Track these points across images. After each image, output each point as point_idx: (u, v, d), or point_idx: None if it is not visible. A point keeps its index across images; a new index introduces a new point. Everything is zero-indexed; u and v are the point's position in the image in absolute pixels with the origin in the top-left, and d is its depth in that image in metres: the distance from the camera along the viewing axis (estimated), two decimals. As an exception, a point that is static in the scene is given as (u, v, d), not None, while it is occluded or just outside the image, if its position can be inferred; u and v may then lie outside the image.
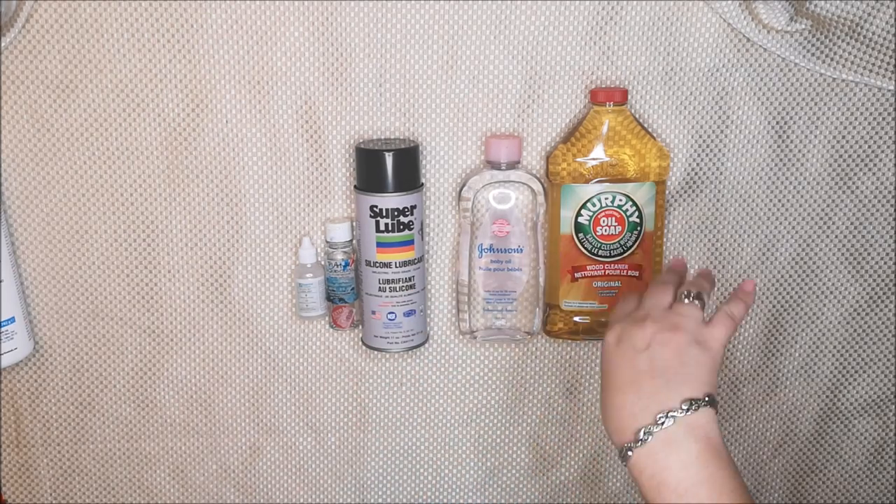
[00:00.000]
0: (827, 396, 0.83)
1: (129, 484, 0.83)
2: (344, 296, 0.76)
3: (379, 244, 0.72)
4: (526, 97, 0.73)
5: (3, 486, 0.82)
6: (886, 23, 0.67)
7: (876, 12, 0.67)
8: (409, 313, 0.75)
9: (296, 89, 0.72)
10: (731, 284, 0.78)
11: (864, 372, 0.82)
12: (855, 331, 0.81)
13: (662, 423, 0.50)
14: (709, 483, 0.51)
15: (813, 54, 0.71)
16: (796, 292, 0.79)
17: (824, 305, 0.80)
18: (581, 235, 0.73)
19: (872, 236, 0.77)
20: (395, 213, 0.71)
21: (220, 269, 0.77)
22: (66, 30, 0.69)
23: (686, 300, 0.57)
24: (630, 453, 0.51)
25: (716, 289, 0.65)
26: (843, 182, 0.76)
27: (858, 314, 0.80)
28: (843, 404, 0.83)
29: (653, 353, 0.53)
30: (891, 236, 0.77)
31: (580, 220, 0.73)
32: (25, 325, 0.76)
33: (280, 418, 0.82)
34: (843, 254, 0.78)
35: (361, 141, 0.73)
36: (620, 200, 0.72)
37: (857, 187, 0.76)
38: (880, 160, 0.75)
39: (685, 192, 0.76)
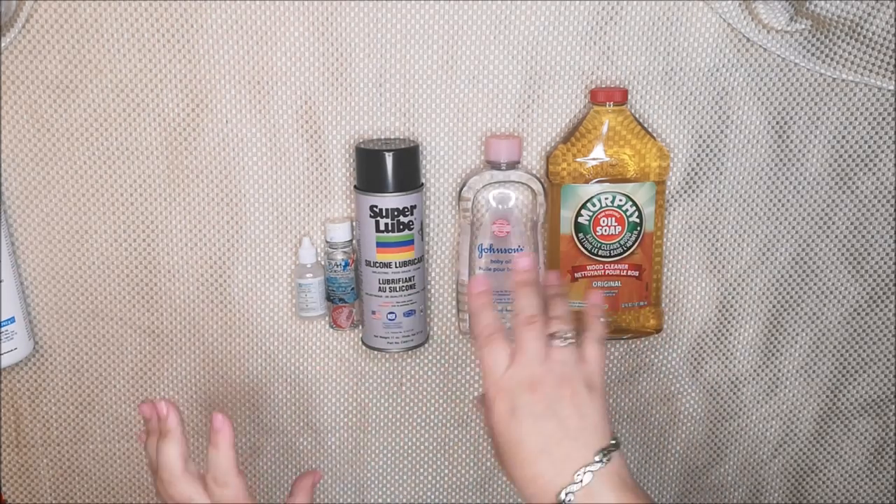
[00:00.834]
0: (827, 396, 0.83)
1: (129, 484, 0.83)
2: (344, 296, 0.76)
3: (379, 244, 0.72)
4: (526, 97, 0.73)
5: (3, 486, 0.82)
6: (886, 23, 0.67)
7: (876, 12, 0.67)
8: (409, 313, 0.75)
9: (296, 89, 0.72)
10: (731, 284, 0.78)
11: (864, 372, 0.82)
12: (855, 331, 0.81)
13: (581, 481, 0.50)
14: None
15: (813, 54, 0.71)
16: (796, 292, 0.79)
17: (824, 305, 0.80)
18: (581, 235, 0.73)
19: (872, 236, 0.77)
20: (395, 213, 0.71)
21: (220, 269, 0.77)
22: (66, 30, 0.69)
23: (562, 343, 0.54)
24: None
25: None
26: (843, 182, 0.76)
27: (858, 314, 0.80)
28: (843, 404, 0.83)
29: (556, 416, 0.52)
30: (891, 236, 0.77)
31: (580, 220, 0.73)
32: (25, 325, 0.76)
33: (280, 418, 0.82)
34: (843, 254, 0.78)
35: (361, 141, 0.73)
36: (620, 200, 0.72)
37: (857, 187, 0.76)
38: (880, 160, 0.75)
39: (685, 192, 0.76)
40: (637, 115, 0.73)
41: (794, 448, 0.85)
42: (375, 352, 0.78)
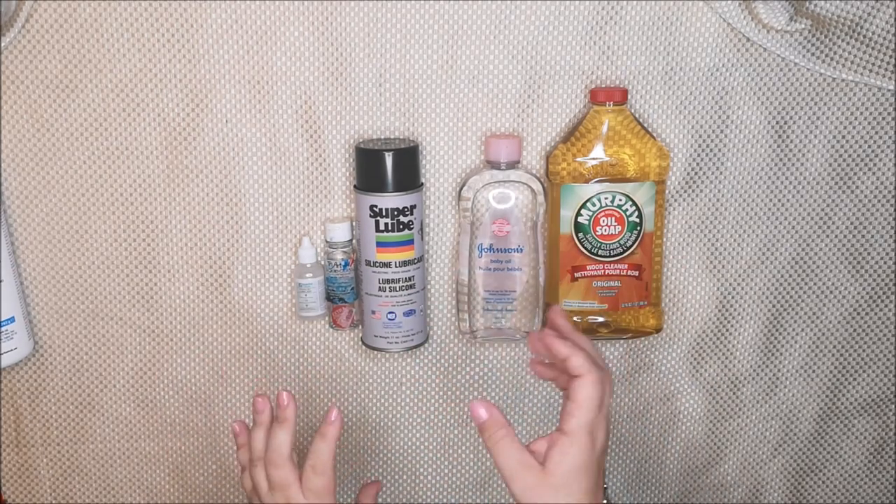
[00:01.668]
0: (827, 396, 0.83)
1: (129, 484, 0.83)
2: (344, 296, 0.76)
3: (379, 244, 0.72)
4: (526, 97, 0.73)
5: (3, 486, 0.82)
6: (886, 23, 0.67)
7: (876, 12, 0.67)
8: (408, 313, 0.75)
9: (296, 89, 0.72)
10: (731, 284, 0.78)
11: (864, 372, 0.82)
12: (855, 331, 0.81)
13: None
14: None
15: (813, 54, 0.71)
16: (796, 292, 0.79)
17: (824, 305, 0.80)
18: (581, 235, 0.73)
19: (872, 236, 0.77)
20: (395, 213, 0.71)
21: (220, 269, 0.77)
22: (66, 30, 0.69)
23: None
24: None
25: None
26: (843, 182, 0.76)
27: (858, 314, 0.80)
28: (843, 404, 0.83)
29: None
30: (891, 236, 0.77)
31: (580, 219, 0.73)
32: (25, 325, 0.76)
33: (280, 418, 0.82)
34: (843, 254, 0.78)
35: (361, 141, 0.73)
36: (620, 200, 0.72)
37: (857, 187, 0.76)
38: (880, 160, 0.75)
39: (685, 191, 0.76)
40: (637, 115, 0.73)
41: (794, 448, 0.85)
42: (375, 352, 0.78)
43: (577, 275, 0.74)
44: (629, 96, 0.72)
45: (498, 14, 0.70)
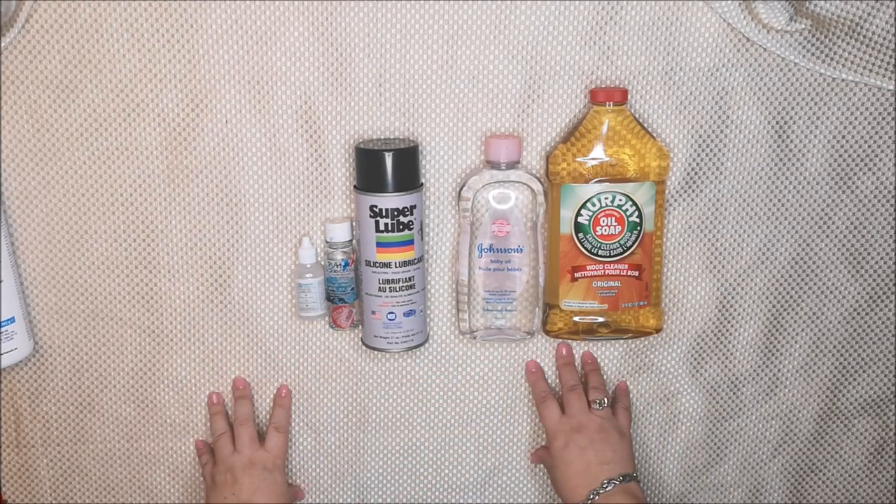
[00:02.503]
0: (827, 396, 0.83)
1: (129, 484, 0.83)
2: (344, 296, 0.76)
3: (379, 244, 0.72)
4: (526, 97, 0.73)
5: (3, 486, 0.82)
6: (886, 23, 0.67)
7: (876, 12, 0.67)
8: (408, 313, 0.75)
9: (296, 89, 0.72)
10: (730, 284, 0.78)
11: (864, 372, 0.82)
12: (855, 331, 0.81)
13: (606, 487, 0.72)
14: None
15: (813, 54, 0.71)
16: (796, 292, 0.79)
17: (824, 305, 0.80)
18: (581, 235, 0.73)
19: (872, 236, 0.77)
20: (395, 213, 0.71)
21: (220, 269, 0.77)
22: (66, 30, 0.69)
23: (599, 408, 0.76)
24: None
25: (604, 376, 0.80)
26: (843, 182, 0.76)
27: (858, 314, 0.80)
28: (843, 404, 0.83)
29: (595, 449, 0.74)
30: (891, 236, 0.77)
31: (580, 219, 0.73)
32: (25, 325, 0.76)
33: (280, 418, 0.82)
34: (843, 254, 0.78)
35: (361, 141, 0.73)
36: (620, 200, 0.72)
37: (857, 187, 0.76)
38: (880, 160, 0.75)
39: (685, 191, 0.76)
40: (637, 115, 0.73)
41: (794, 448, 0.85)
42: (375, 352, 0.78)
43: (577, 275, 0.74)
44: (629, 96, 0.72)
45: (498, 14, 0.70)
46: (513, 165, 0.72)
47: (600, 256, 0.74)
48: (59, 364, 0.79)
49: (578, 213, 0.72)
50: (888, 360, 0.82)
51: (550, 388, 0.80)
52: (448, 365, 0.80)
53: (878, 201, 0.76)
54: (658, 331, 0.78)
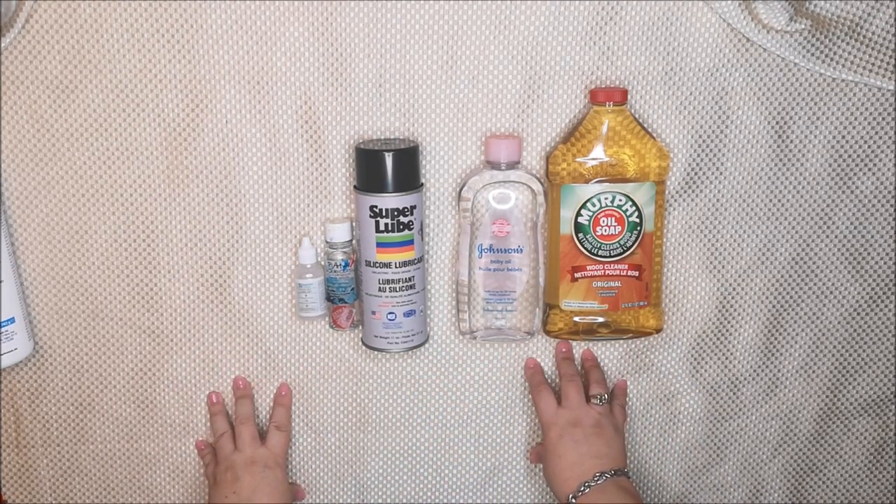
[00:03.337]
0: (827, 396, 0.83)
1: (129, 484, 0.83)
2: (344, 296, 0.76)
3: (379, 244, 0.72)
4: (526, 97, 0.73)
5: (3, 486, 0.82)
6: (886, 23, 0.67)
7: (876, 12, 0.67)
8: (409, 313, 0.75)
9: (296, 89, 0.72)
10: (730, 284, 0.78)
11: (864, 372, 0.82)
12: (855, 331, 0.81)
13: (598, 480, 0.72)
14: None
15: (813, 54, 0.71)
16: (796, 292, 0.79)
17: (824, 305, 0.80)
18: (581, 235, 0.73)
19: (872, 236, 0.77)
20: (395, 213, 0.71)
21: (220, 269, 0.77)
22: (66, 30, 0.69)
23: (598, 403, 0.76)
24: (574, 500, 0.72)
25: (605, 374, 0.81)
26: (843, 182, 0.76)
27: (858, 314, 0.80)
28: (843, 404, 0.83)
29: (589, 443, 0.74)
30: (891, 236, 0.77)
31: (580, 220, 0.73)
32: (25, 325, 0.76)
33: (280, 418, 0.82)
34: (843, 254, 0.78)
35: (361, 141, 0.73)
36: (620, 200, 0.72)
37: (857, 187, 0.76)
38: (880, 160, 0.75)
39: (685, 192, 0.76)
40: (637, 115, 0.73)
41: (794, 448, 0.85)
42: (375, 352, 0.78)
43: (577, 275, 0.74)
44: (629, 96, 0.72)
45: (498, 14, 0.70)
46: (513, 165, 0.72)
47: (600, 256, 0.74)
48: (59, 364, 0.79)
49: (578, 214, 0.72)
50: (888, 360, 0.82)
51: (547, 380, 0.80)
52: (448, 365, 0.80)
53: (878, 201, 0.76)
54: (658, 331, 0.78)
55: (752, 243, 0.77)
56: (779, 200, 0.76)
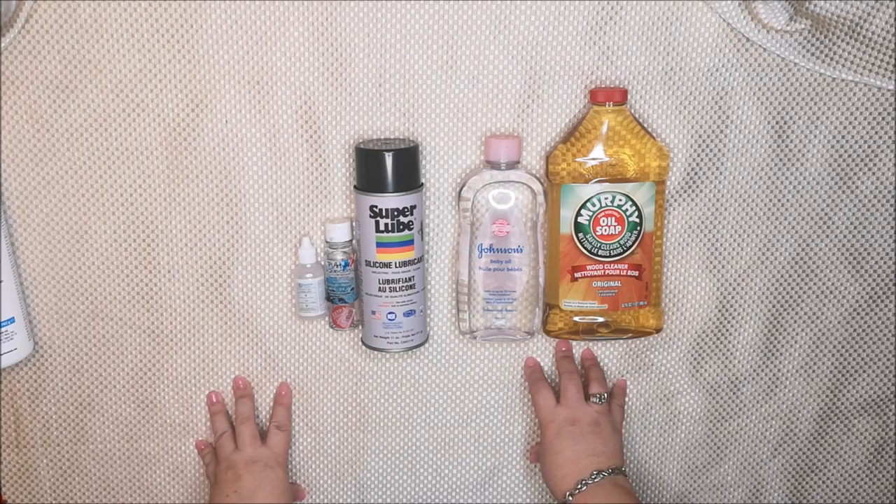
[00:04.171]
0: (827, 396, 0.83)
1: (129, 484, 0.83)
2: (344, 296, 0.76)
3: (379, 244, 0.72)
4: (526, 97, 0.73)
5: (3, 486, 0.82)
6: (886, 23, 0.67)
7: (876, 12, 0.67)
8: (409, 313, 0.75)
9: (296, 89, 0.72)
10: (731, 284, 0.78)
11: (864, 372, 0.82)
12: (855, 331, 0.81)
13: (594, 478, 0.72)
14: None
15: (813, 54, 0.71)
16: (796, 292, 0.79)
17: (824, 305, 0.80)
18: (581, 235, 0.73)
19: (872, 236, 0.77)
20: (395, 213, 0.71)
21: (220, 269, 0.77)
22: (66, 30, 0.69)
23: (598, 402, 0.76)
24: (571, 498, 0.72)
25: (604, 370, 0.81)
26: (843, 182, 0.76)
27: (858, 314, 0.80)
28: (843, 404, 0.83)
29: (587, 441, 0.74)
30: (891, 236, 0.77)
31: (580, 219, 0.73)
32: (25, 325, 0.76)
33: (280, 418, 0.82)
34: (843, 254, 0.78)
35: (361, 141, 0.73)
36: (620, 200, 0.72)
37: (857, 187, 0.76)
38: (880, 160, 0.75)
39: (685, 191, 0.76)
40: (637, 115, 0.73)
41: (794, 448, 0.85)
42: (375, 352, 0.78)
43: (577, 275, 0.74)
44: (629, 96, 0.72)
45: (498, 14, 0.70)
46: (513, 165, 0.72)
47: (600, 256, 0.74)
48: (59, 364, 0.79)
49: (578, 213, 0.72)
50: (888, 360, 0.82)
51: (546, 378, 0.80)
52: (448, 365, 0.81)
53: (878, 201, 0.76)
54: (658, 331, 0.78)
55: (752, 243, 0.77)
56: (779, 200, 0.76)
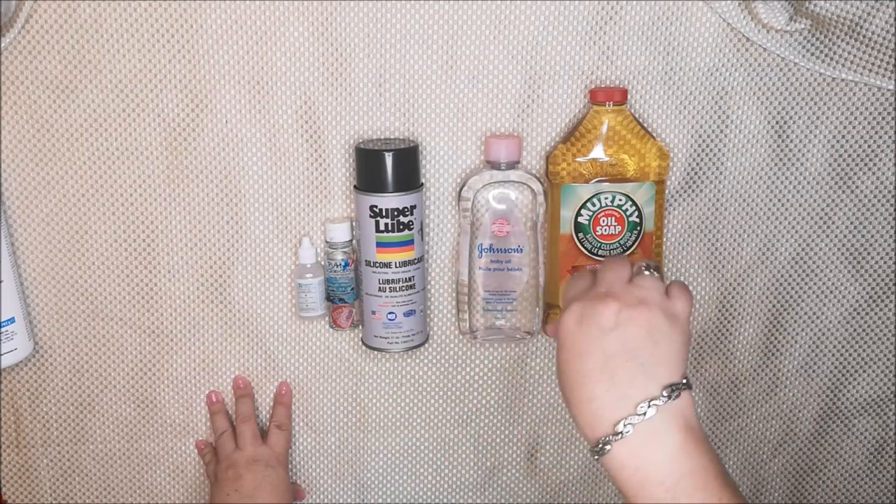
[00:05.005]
0: (827, 396, 0.83)
1: (129, 484, 0.83)
2: (344, 296, 0.76)
3: (379, 244, 0.72)
4: (526, 97, 0.73)
5: (3, 486, 0.82)
6: (886, 22, 0.67)
7: (876, 12, 0.67)
8: (409, 313, 0.75)
9: (296, 89, 0.72)
10: (730, 284, 0.78)
11: (864, 372, 0.82)
12: (855, 331, 0.81)
13: (644, 414, 0.45)
14: (696, 474, 0.45)
15: (813, 54, 0.71)
16: (796, 292, 0.79)
17: (824, 305, 0.80)
18: (581, 235, 0.73)
19: (872, 236, 0.77)
20: (395, 213, 0.71)
21: (220, 269, 0.77)
22: (66, 30, 0.69)
23: (647, 272, 0.51)
24: (608, 447, 0.45)
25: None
26: (843, 182, 0.76)
27: (858, 314, 0.80)
28: (843, 404, 0.83)
29: (623, 333, 0.47)
30: (891, 236, 0.77)
31: (580, 219, 0.73)
32: (25, 325, 0.76)
33: (280, 418, 0.82)
34: (843, 254, 0.78)
35: (361, 141, 0.73)
36: (620, 200, 0.72)
37: (857, 187, 0.76)
38: (880, 160, 0.75)
39: (685, 191, 0.76)
40: (637, 115, 0.73)
41: (794, 448, 0.85)
42: (375, 352, 0.78)
43: (577, 275, 0.74)
44: (629, 96, 0.72)
45: (498, 14, 0.70)
46: (513, 165, 0.72)
47: (600, 256, 0.74)
48: (59, 364, 0.79)
49: (578, 213, 0.72)
50: (888, 360, 0.82)
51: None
52: (448, 365, 0.80)
53: (878, 201, 0.76)
54: (658, 331, 0.78)
55: (752, 243, 0.77)
56: (779, 200, 0.76)
